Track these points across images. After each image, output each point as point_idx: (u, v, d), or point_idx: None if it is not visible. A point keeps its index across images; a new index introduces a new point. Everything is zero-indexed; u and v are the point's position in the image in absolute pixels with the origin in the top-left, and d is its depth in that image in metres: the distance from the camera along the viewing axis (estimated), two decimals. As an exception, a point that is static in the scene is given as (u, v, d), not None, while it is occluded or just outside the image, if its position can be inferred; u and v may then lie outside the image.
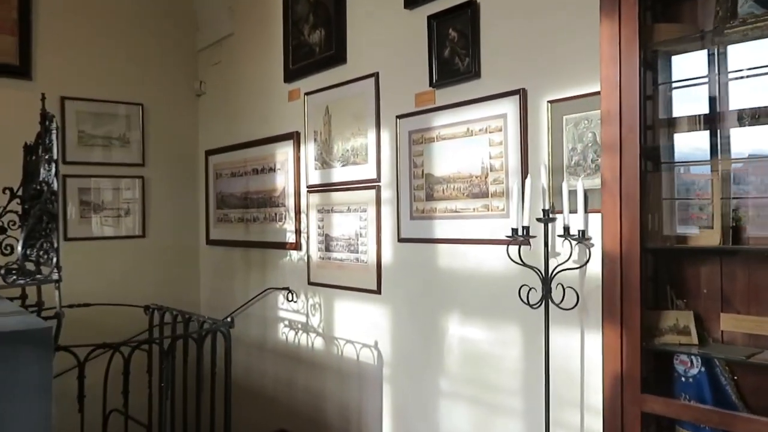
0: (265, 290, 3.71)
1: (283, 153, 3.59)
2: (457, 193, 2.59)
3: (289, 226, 3.54)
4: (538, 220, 2.02)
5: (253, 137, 3.84)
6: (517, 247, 2.11)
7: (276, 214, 3.65)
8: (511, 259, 2.11)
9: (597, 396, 2.10)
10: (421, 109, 2.75)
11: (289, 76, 3.53)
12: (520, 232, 2.05)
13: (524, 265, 2.08)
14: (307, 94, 3.40)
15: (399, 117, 2.84)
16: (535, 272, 2.06)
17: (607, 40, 1.73)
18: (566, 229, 2.01)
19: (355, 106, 3.09)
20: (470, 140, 2.54)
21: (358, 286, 3.08)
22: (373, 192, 2.99)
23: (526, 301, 2.08)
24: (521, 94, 2.33)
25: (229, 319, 2.59)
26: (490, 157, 2.46)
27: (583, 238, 1.89)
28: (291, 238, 3.52)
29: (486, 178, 2.47)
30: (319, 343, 3.36)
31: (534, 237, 2.09)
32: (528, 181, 2.02)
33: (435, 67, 2.66)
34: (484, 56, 2.49)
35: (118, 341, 2.54)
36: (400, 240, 2.85)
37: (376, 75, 2.97)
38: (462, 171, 2.57)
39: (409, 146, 2.81)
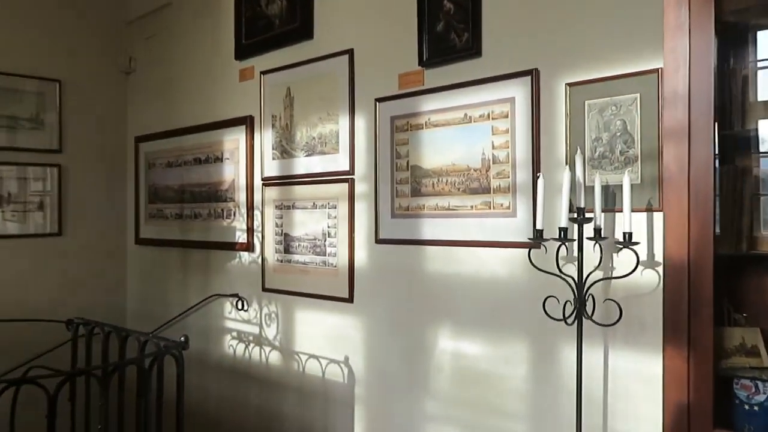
0: (209, 297, 3.24)
1: (233, 140, 3.14)
2: (450, 188, 2.26)
3: (240, 223, 3.09)
4: (572, 220, 1.72)
5: (195, 122, 3.35)
6: (541, 250, 1.80)
7: (223, 210, 3.19)
8: (534, 266, 1.80)
9: (624, 424, 1.84)
10: (406, 92, 2.40)
11: (242, 52, 3.08)
12: (557, 234, 1.73)
13: (560, 273, 1.76)
14: (263, 73, 2.97)
15: (379, 100, 2.48)
16: (567, 281, 1.75)
17: (673, 6, 1.45)
18: (597, 231, 1.72)
19: (323, 87, 2.70)
20: (468, 128, 2.21)
21: (326, 293, 2.69)
22: (344, 186, 2.61)
23: (561, 316, 1.77)
24: (533, 75, 2.04)
25: (182, 338, 2.12)
26: (493, 147, 2.14)
27: (629, 242, 1.61)
28: (241, 237, 3.07)
29: (487, 171, 2.16)
30: (275, 358, 2.94)
31: (573, 240, 1.77)
32: (566, 175, 1.71)
33: (426, 44, 2.31)
34: (486, 31, 2.17)
35: (37, 366, 2.02)
36: (379, 241, 2.49)
37: (350, 52, 2.59)
38: (457, 163, 2.24)
39: (391, 134, 2.45)
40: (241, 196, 3.08)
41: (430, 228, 2.32)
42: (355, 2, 2.59)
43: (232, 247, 3.12)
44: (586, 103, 1.93)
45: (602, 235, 1.73)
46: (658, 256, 1.74)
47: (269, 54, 2.96)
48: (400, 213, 2.42)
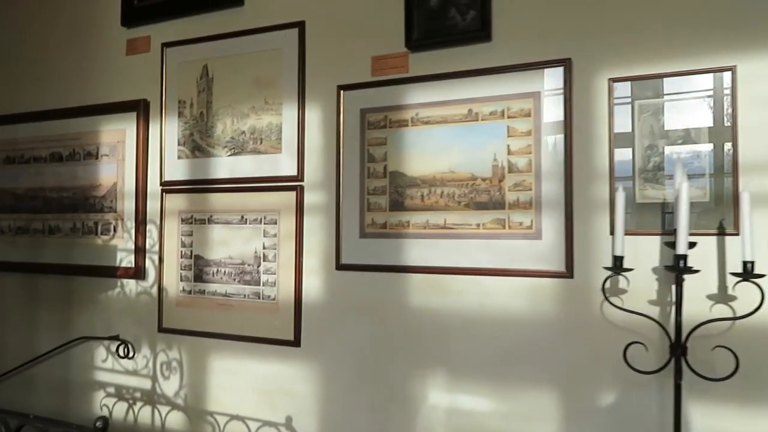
0: (73, 341, 2.39)
1: (116, 131, 2.36)
2: (447, 202, 1.80)
3: (123, 242, 2.32)
4: (668, 245, 1.36)
5: (55, 105, 2.50)
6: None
7: (98, 224, 2.38)
8: (616, 306, 1.40)
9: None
10: (384, 79, 1.90)
11: (132, 16, 2.34)
12: (681, 263, 1.35)
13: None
14: (167, 45, 2.26)
15: (344, 88, 1.95)
16: (659, 323, 1.38)
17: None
18: (683, 259, 1.38)
19: (260, 67, 2.09)
20: (474, 127, 1.78)
21: (258, 334, 2.06)
22: (290, 195, 2.03)
23: (646, 367, 1.38)
24: (566, 66, 1.67)
25: (97, 423, 1.35)
26: (509, 153, 1.73)
27: (751, 273, 1.28)
28: (127, 260, 2.30)
29: (501, 181, 1.74)
30: (176, 420, 2.21)
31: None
32: (685, 188, 1.33)
33: (416, 22, 1.84)
34: (499, 9, 1.77)
35: None
36: (340, 267, 1.94)
37: (300, 26, 2.03)
38: (458, 170, 1.79)
39: (361, 131, 1.93)
40: (127, 206, 2.32)
41: (418, 251, 1.83)
42: (309, -37, 2.05)
43: (112, 273, 2.33)
44: (637, 103, 1.60)
45: (687, 265, 1.39)
46: (731, 289, 1.44)
47: (175, 21, 2.27)
48: (372, 231, 1.90)
